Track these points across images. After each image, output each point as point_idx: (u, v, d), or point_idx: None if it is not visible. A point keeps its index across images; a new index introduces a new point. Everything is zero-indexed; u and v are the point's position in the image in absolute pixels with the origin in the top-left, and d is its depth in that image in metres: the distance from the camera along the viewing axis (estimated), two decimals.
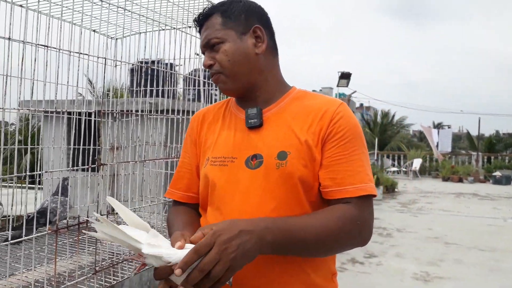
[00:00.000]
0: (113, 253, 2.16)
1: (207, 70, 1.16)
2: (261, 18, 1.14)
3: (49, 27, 1.59)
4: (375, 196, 1.05)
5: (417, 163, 16.81)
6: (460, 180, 15.39)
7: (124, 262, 2.05)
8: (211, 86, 2.92)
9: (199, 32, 1.17)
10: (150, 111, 2.39)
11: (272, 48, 1.16)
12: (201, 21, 1.14)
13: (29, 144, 2.07)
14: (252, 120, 1.11)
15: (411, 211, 8.84)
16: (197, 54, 2.58)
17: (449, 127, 29.38)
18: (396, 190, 12.13)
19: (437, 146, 18.09)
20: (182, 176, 1.24)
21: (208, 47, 1.12)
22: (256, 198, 1.04)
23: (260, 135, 1.09)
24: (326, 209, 1.04)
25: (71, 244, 2.29)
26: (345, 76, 14.18)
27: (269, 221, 0.95)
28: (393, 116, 25.16)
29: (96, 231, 0.89)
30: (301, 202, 1.05)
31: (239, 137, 1.12)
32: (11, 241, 1.63)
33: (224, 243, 0.85)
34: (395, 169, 17.46)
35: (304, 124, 1.07)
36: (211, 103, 2.89)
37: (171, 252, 0.87)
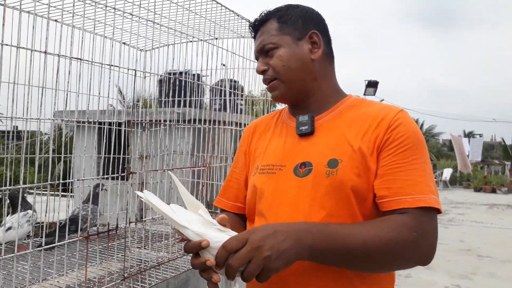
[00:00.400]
0: (141, 260, 2.20)
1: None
2: (318, 24, 1.10)
3: (82, 41, 1.65)
4: (439, 211, 0.94)
5: (447, 173, 16.38)
6: (493, 191, 14.87)
7: (152, 269, 2.08)
8: (237, 96, 2.95)
9: (254, 37, 1.14)
10: (178, 121, 2.43)
11: (328, 55, 1.12)
12: (257, 26, 1.12)
13: (62, 153, 2.14)
14: (303, 127, 1.06)
15: (441, 222, 8.60)
16: (224, 65, 2.61)
17: (480, 136, 28.53)
18: None
19: (468, 155, 17.59)
20: (231, 186, 1.23)
21: (263, 52, 1.09)
22: (304, 207, 0.99)
23: (311, 143, 1.05)
24: (378, 218, 0.95)
25: (101, 251, 2.36)
26: (372, 85, 14.00)
27: (309, 224, 0.90)
28: (422, 124, 24.69)
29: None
30: (353, 214, 0.97)
31: (289, 145, 1.08)
32: (44, 247, 1.68)
33: (257, 241, 0.81)
34: None
35: (359, 132, 1.01)
36: (237, 112, 2.92)
37: (216, 237, 0.85)
